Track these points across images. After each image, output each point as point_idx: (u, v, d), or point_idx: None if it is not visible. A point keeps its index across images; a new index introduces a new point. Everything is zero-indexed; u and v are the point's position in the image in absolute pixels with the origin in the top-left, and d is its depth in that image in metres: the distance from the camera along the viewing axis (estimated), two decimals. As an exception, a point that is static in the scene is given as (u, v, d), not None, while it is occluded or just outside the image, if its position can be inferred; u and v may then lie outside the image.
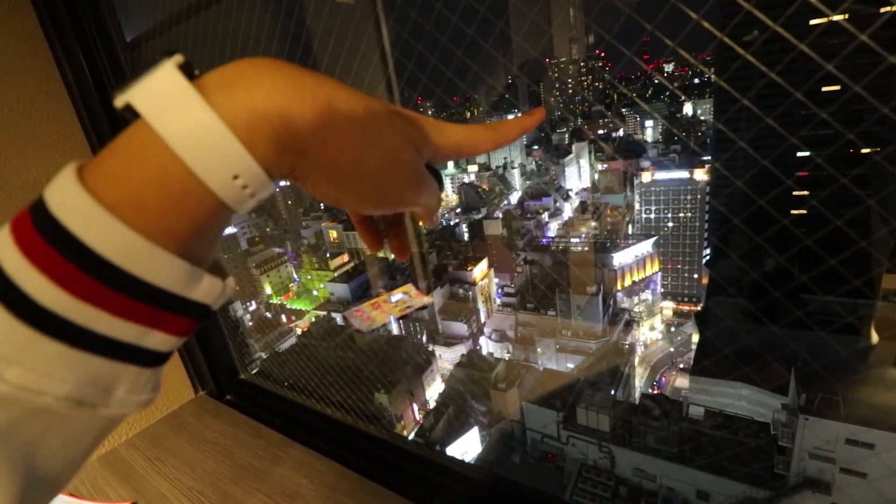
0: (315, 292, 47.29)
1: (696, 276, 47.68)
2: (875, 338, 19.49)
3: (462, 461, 1.13)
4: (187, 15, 1.75)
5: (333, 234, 49.24)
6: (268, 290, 46.70)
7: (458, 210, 57.18)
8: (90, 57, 1.37)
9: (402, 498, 1.05)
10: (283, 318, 42.77)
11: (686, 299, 48.23)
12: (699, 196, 45.47)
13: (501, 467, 21.20)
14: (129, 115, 0.25)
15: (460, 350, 34.07)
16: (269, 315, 42.31)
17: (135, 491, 1.26)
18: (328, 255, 47.80)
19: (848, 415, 13.60)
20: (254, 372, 1.78)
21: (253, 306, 43.85)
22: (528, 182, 62.25)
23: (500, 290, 43.31)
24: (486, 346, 38.47)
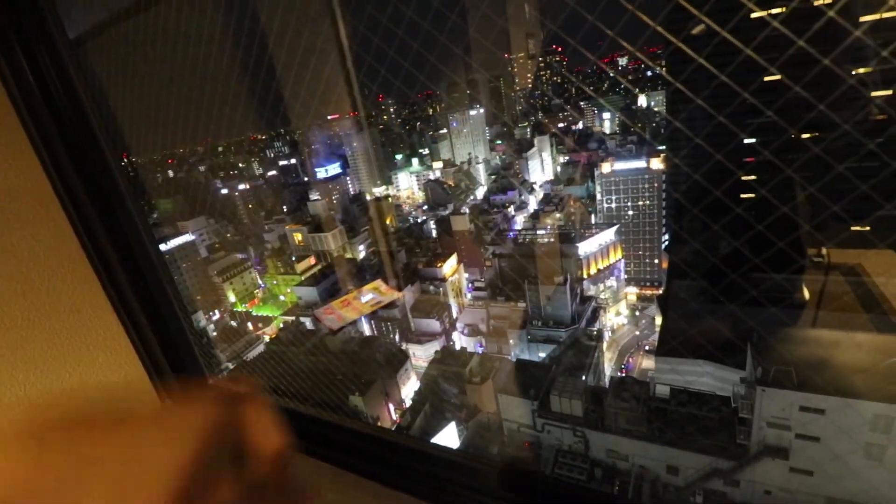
0: (282, 297, 46.10)
1: (656, 261, 49.64)
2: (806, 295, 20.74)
3: (439, 445, 1.14)
4: (134, 10, 1.66)
5: (298, 236, 48.12)
6: (232, 297, 45.15)
7: (425, 207, 57.12)
8: (31, 56, 1.29)
9: (386, 487, 1.05)
10: (250, 325, 41.47)
11: (649, 284, 50.16)
12: (656, 184, 47.31)
13: (480, 459, 21.41)
14: None
15: (434, 347, 34.17)
16: (234, 324, 40.93)
17: None
18: (294, 258, 46.68)
19: (800, 383, 14.49)
20: (222, 376, 1.73)
21: (217, 315, 42.27)
22: (493, 177, 62.92)
23: (470, 285, 43.64)
24: (460, 340, 38.72)
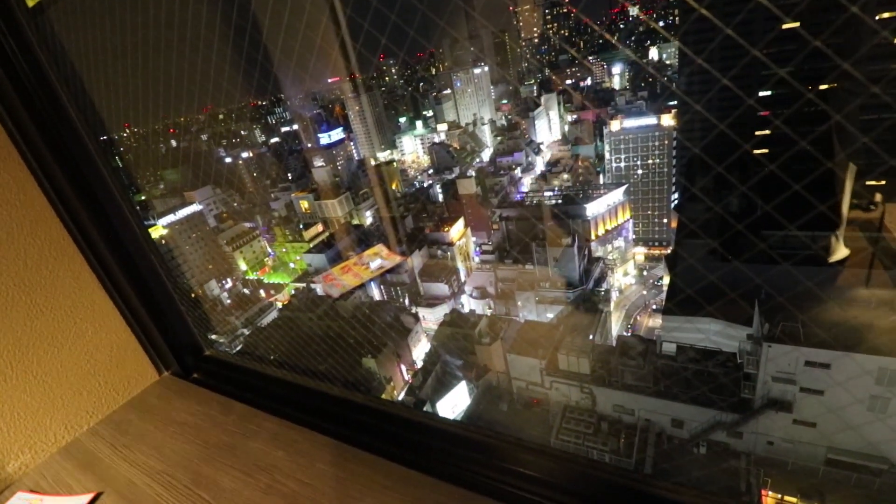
0: (292, 265, 46.60)
1: (665, 220, 48.98)
2: (844, 251, 20.40)
3: (441, 417, 1.10)
4: None
5: (305, 204, 48.03)
6: (242, 266, 45.71)
7: (431, 171, 56.32)
8: None
9: (384, 459, 1.02)
10: (262, 293, 42.19)
11: (657, 244, 49.73)
12: (667, 141, 45.94)
13: (490, 416, 22.12)
14: None
15: (443, 310, 34.62)
16: (246, 291, 41.66)
17: (100, 481, 1.19)
18: (301, 226, 46.78)
19: (807, 339, 14.57)
20: (221, 348, 1.70)
21: (229, 284, 42.98)
22: (499, 138, 61.49)
23: (478, 249, 43.62)
24: (468, 303, 39.16)
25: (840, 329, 14.19)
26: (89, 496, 1.16)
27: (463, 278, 40.79)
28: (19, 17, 1.24)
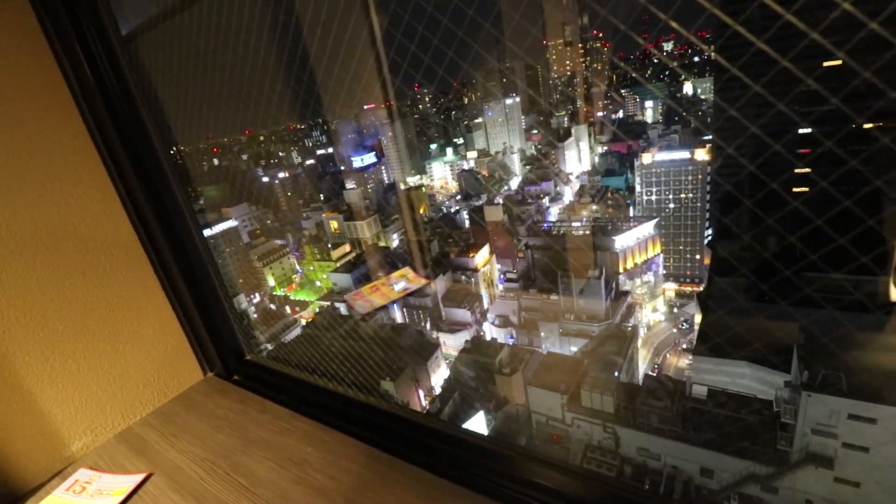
0: (318, 283, 47.52)
1: (698, 256, 47.60)
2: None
3: (457, 426, 1.20)
4: (180, 7, 1.78)
5: (334, 224, 49.28)
6: (271, 281, 46.96)
7: (459, 197, 57.02)
8: (88, 51, 1.41)
9: (403, 462, 1.12)
10: (288, 309, 43.07)
11: (689, 280, 48.22)
12: (700, 176, 45.15)
13: (507, 449, 21.54)
14: None
15: (464, 336, 34.35)
16: (273, 307, 42.63)
17: (150, 463, 1.34)
18: (330, 245, 47.91)
19: (851, 390, 13.70)
20: (260, 354, 1.85)
21: (257, 298, 44.14)
22: (527, 167, 61.90)
23: (502, 276, 43.41)
24: (490, 331, 38.73)
25: (887, 381, 13.30)
26: (141, 476, 1.30)
27: (486, 305, 40.53)
28: (114, 43, 1.47)
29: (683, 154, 46.45)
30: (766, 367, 20.25)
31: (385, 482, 1.07)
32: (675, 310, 46.61)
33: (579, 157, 64.01)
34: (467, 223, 48.34)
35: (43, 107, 1.38)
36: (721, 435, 16.95)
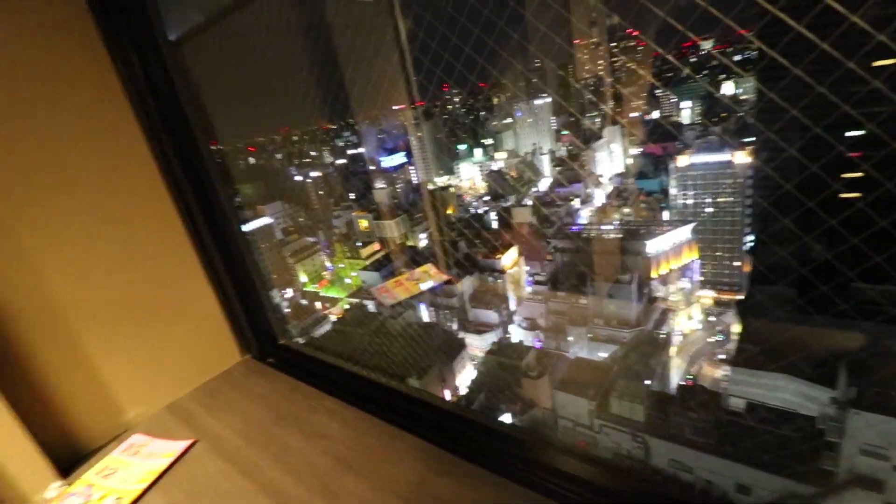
0: (347, 280, 48.53)
1: (737, 263, 45.65)
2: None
3: (466, 407, 1.29)
4: (221, 15, 1.94)
5: (364, 223, 50.19)
6: (303, 278, 48.31)
7: (487, 198, 56.90)
8: (142, 57, 1.57)
9: (416, 438, 1.22)
10: (318, 304, 44.20)
11: (727, 288, 46.29)
12: (741, 179, 43.31)
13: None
14: None
15: (491, 338, 34.25)
16: (304, 302, 43.84)
17: (195, 432, 1.49)
18: (359, 243, 48.84)
19: (904, 409, 12.88)
20: (292, 339, 2.00)
21: (289, 294, 45.50)
22: (557, 168, 61.08)
23: (530, 279, 43.03)
24: (517, 333, 38.48)
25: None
26: (187, 442, 1.46)
27: (513, 307, 40.29)
28: (162, 49, 1.63)
29: (723, 156, 44.68)
30: (810, 382, 19.25)
31: (399, 455, 1.18)
32: (712, 318, 44.88)
33: (611, 159, 62.61)
34: (495, 224, 48.19)
35: (103, 108, 1.54)
36: (759, 450, 16.26)
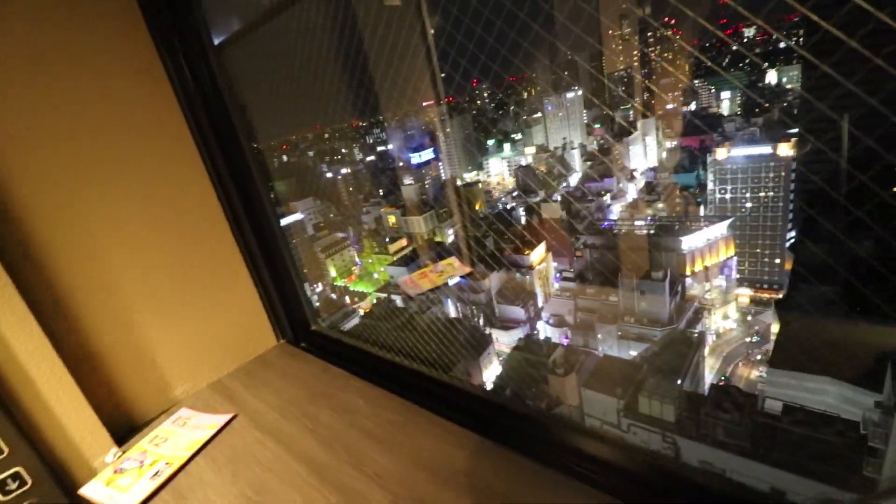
0: (376, 275, 49.31)
1: (777, 260, 43.58)
2: None
3: (482, 388, 1.36)
4: (261, 20, 2.07)
5: (392, 219, 50.80)
6: (332, 272, 49.43)
7: (515, 193, 56.40)
8: (189, 59, 1.70)
9: (437, 416, 1.31)
10: (347, 299, 45.16)
11: (766, 286, 44.29)
12: (783, 173, 41.20)
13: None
14: None
15: (517, 334, 34.10)
16: (334, 296, 44.86)
17: (235, 407, 1.64)
18: (387, 239, 49.49)
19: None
20: (323, 325, 2.13)
21: (319, 288, 46.68)
22: (588, 163, 59.85)
23: (558, 275, 42.50)
24: (544, 330, 38.13)
25: None
26: (229, 416, 1.60)
27: (540, 304, 39.91)
28: (209, 52, 1.76)
29: (764, 149, 42.61)
30: (853, 385, 18.30)
31: (419, 429, 1.27)
32: (749, 318, 43.08)
33: (645, 153, 60.78)
34: (523, 220, 47.77)
35: (152, 106, 1.68)
36: (796, 455, 15.61)
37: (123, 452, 1.54)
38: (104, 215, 1.56)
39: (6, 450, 1.29)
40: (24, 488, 1.33)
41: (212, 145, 1.79)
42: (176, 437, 1.58)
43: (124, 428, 1.65)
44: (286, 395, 1.63)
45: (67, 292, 1.49)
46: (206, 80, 1.75)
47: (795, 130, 42.26)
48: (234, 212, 1.88)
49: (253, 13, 2.06)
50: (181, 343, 1.79)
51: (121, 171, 1.59)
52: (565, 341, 35.34)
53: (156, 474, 1.40)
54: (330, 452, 1.27)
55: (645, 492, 0.97)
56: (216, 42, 1.83)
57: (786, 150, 40.83)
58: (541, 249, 41.17)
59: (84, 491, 1.40)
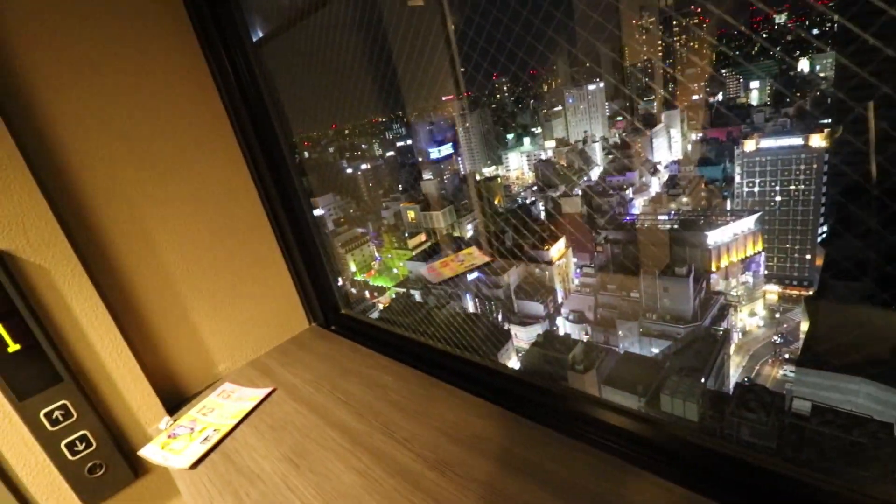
0: (395, 270, 49.78)
1: (808, 256, 42.11)
2: None
3: (502, 363, 1.46)
4: (297, 19, 2.20)
5: (411, 214, 51.08)
6: (352, 267, 50.14)
7: (535, 188, 55.93)
8: (230, 55, 1.82)
9: (459, 390, 1.42)
10: (367, 294, 45.77)
11: (795, 283, 42.89)
12: (815, 165, 39.69)
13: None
14: None
15: (536, 330, 33.98)
16: (353, 291, 45.56)
17: (274, 382, 1.79)
18: (406, 234, 49.84)
19: None
20: (351, 309, 2.26)
21: (340, 283, 47.40)
22: (609, 156, 58.83)
23: (578, 271, 42.09)
24: (564, 326, 37.88)
25: None
26: (268, 390, 1.75)
27: (560, 300, 39.63)
28: (248, 49, 1.88)
29: (795, 140, 41.10)
30: (887, 386, 17.65)
31: (444, 401, 1.39)
32: (777, 315, 41.82)
33: (669, 145, 59.35)
34: (543, 215, 47.39)
35: (197, 103, 1.81)
36: (825, 456, 15.19)
37: (175, 420, 1.70)
38: (159, 208, 1.72)
39: (75, 414, 1.47)
40: (90, 449, 1.50)
41: (252, 142, 1.93)
42: (221, 408, 1.73)
43: (175, 399, 1.82)
44: (319, 372, 1.77)
45: (128, 278, 1.66)
46: (246, 77, 1.87)
47: (828, 121, 40.59)
48: (271, 204, 2.02)
49: (286, 13, 2.19)
50: (224, 325, 1.95)
51: (172, 170, 1.74)
52: (585, 338, 35.04)
53: (205, 439, 1.56)
54: (361, 421, 1.40)
55: (662, 459, 1.06)
56: (254, 40, 1.95)
57: (818, 140, 39.30)
58: (561, 244, 40.79)
59: (143, 452, 1.57)
